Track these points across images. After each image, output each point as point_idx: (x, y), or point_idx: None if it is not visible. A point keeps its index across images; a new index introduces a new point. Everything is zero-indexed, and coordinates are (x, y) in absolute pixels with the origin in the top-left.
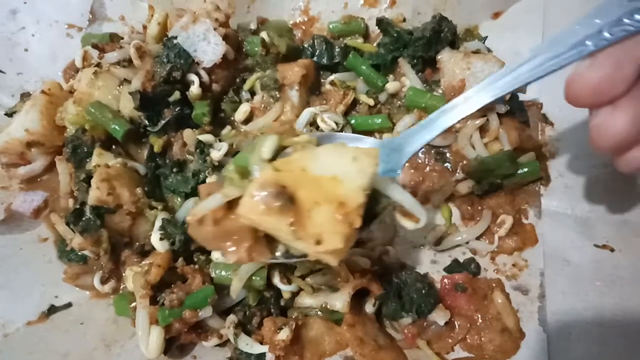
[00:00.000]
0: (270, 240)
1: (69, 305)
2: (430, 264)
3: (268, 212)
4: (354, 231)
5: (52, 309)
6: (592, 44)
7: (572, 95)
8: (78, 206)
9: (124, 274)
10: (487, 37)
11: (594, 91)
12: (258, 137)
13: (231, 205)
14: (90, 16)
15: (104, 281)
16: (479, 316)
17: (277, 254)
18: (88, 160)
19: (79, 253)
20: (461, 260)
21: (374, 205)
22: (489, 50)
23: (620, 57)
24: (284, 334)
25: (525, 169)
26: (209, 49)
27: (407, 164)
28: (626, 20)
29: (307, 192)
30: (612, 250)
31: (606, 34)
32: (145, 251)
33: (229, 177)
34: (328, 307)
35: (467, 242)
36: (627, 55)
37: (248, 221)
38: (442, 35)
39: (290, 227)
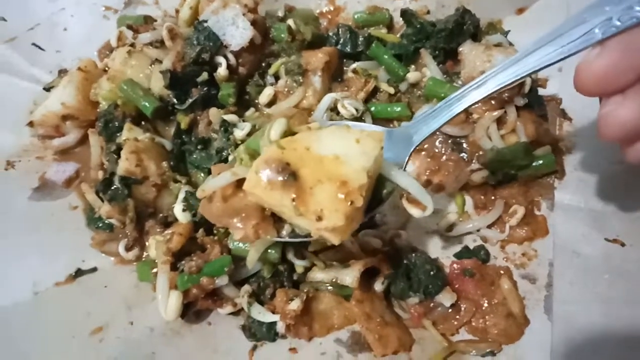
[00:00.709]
0: (277, 220)
1: (94, 269)
2: (441, 250)
3: (271, 186)
4: (357, 211)
5: (79, 272)
6: (600, 31)
7: (580, 83)
8: (107, 176)
9: (147, 243)
10: (509, 31)
11: (602, 79)
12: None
13: (240, 184)
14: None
15: (128, 248)
16: (485, 301)
17: (283, 232)
18: (118, 134)
19: (106, 221)
20: (471, 247)
21: (380, 190)
22: (511, 44)
23: (629, 45)
24: (295, 305)
25: (541, 162)
26: (237, 33)
27: (424, 153)
28: (637, 8)
29: (310, 170)
30: (622, 244)
31: (616, 22)
32: (168, 222)
33: (239, 157)
34: (338, 282)
35: (478, 230)
36: (636, 43)
37: (254, 197)
38: (464, 27)
39: (292, 202)
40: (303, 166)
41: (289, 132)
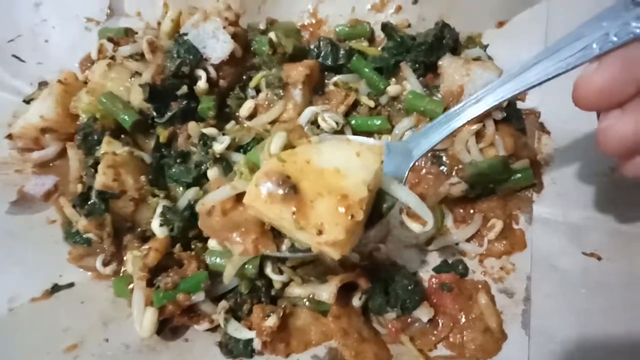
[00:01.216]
0: (276, 235)
1: (71, 284)
2: (420, 264)
3: (271, 200)
4: (357, 225)
5: (56, 287)
6: (598, 47)
7: (579, 98)
8: (85, 190)
9: (125, 258)
10: (488, 45)
11: (601, 94)
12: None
13: (240, 198)
14: (109, 11)
15: (105, 263)
16: (463, 315)
17: (283, 247)
18: (98, 147)
19: (84, 235)
20: (450, 261)
21: (380, 204)
22: (490, 58)
23: (627, 60)
24: (271, 321)
25: (519, 175)
26: (217, 46)
27: None
28: (633, 24)
29: (310, 183)
30: (599, 258)
31: (613, 37)
32: (146, 236)
33: (239, 170)
34: (315, 297)
35: (457, 244)
36: (634, 58)
37: (253, 211)
38: (443, 41)
39: (292, 215)
40: (303, 179)
41: (288, 146)
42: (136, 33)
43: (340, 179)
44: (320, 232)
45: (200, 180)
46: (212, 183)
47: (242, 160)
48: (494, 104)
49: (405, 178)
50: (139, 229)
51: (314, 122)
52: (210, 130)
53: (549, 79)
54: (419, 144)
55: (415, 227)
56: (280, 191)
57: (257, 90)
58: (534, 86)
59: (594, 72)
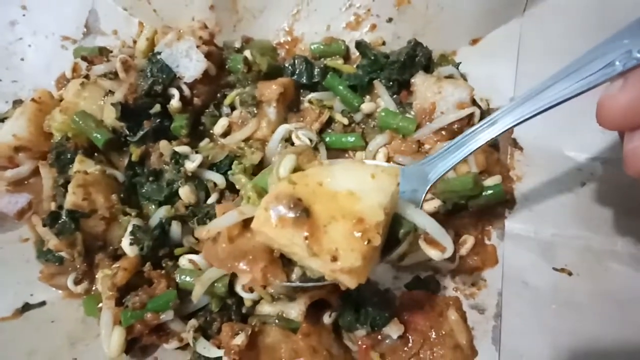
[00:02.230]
0: (286, 263)
1: (43, 303)
2: (393, 280)
3: (282, 224)
4: (374, 250)
5: (27, 307)
6: (621, 64)
7: (604, 117)
8: (56, 209)
9: (96, 276)
10: (460, 62)
11: (628, 113)
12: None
13: (247, 224)
14: (85, 29)
15: (77, 282)
16: (433, 332)
17: (293, 276)
18: (71, 166)
19: (56, 254)
20: (422, 277)
21: (397, 230)
22: (462, 76)
23: None
24: (240, 339)
25: (490, 192)
26: (190, 65)
27: None
28: None
29: (323, 206)
30: (570, 274)
31: (636, 54)
32: (118, 255)
33: (246, 195)
34: (285, 315)
35: (429, 260)
36: None
37: (262, 237)
38: (416, 59)
39: (305, 241)
40: (315, 202)
41: (298, 169)
42: (111, 52)
43: (354, 202)
44: (334, 259)
45: (172, 198)
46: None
47: (249, 184)
48: (511, 125)
49: (421, 202)
50: (111, 248)
51: (287, 140)
52: (183, 149)
53: (568, 99)
54: (435, 167)
55: (434, 254)
56: (292, 214)
57: (232, 108)
58: (552, 106)
59: (619, 91)
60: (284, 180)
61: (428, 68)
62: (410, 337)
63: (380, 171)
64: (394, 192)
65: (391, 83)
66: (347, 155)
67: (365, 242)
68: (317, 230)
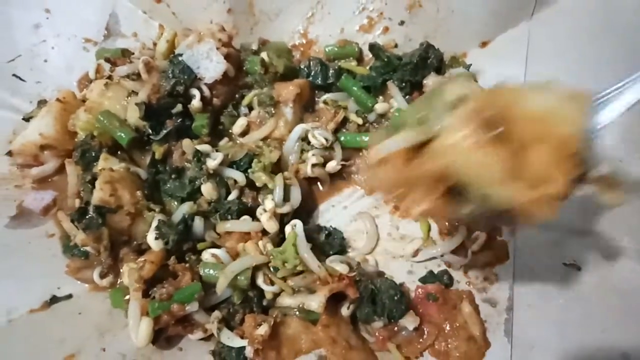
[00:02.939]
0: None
1: (69, 296)
2: (407, 274)
3: (477, 143)
4: (573, 178)
5: (54, 299)
6: None
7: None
8: (83, 205)
9: (121, 270)
10: (471, 64)
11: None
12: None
13: (417, 150)
14: (106, 32)
15: (102, 276)
16: (448, 324)
17: (465, 210)
18: (95, 164)
19: (82, 249)
20: (435, 272)
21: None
22: (473, 77)
23: None
24: (263, 330)
25: None
26: (211, 66)
27: None
28: None
29: (520, 127)
30: (579, 269)
31: None
32: (142, 249)
33: (409, 122)
34: (305, 307)
35: (442, 255)
36: None
37: (446, 159)
38: (428, 61)
39: (501, 164)
40: (511, 123)
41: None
42: (132, 53)
43: (552, 124)
44: (536, 184)
45: (194, 195)
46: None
47: (408, 111)
48: None
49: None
50: (135, 242)
51: (304, 139)
52: (204, 147)
53: None
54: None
55: (611, 199)
56: (488, 134)
57: (250, 108)
58: None
59: None
60: (483, 94)
61: (439, 69)
62: (425, 329)
63: (574, 92)
64: (586, 117)
65: (404, 84)
66: (361, 154)
67: (570, 169)
68: (515, 154)
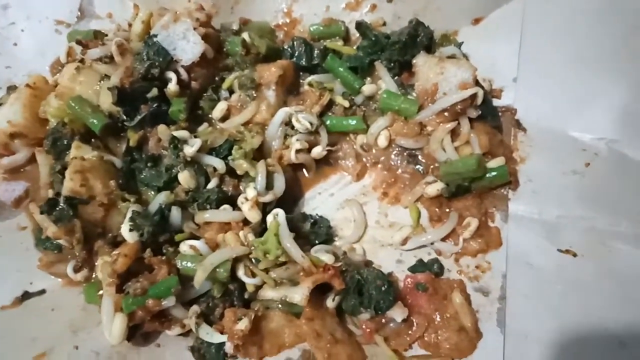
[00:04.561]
0: None
1: (42, 292)
2: (396, 263)
3: None
4: None
5: (26, 295)
6: None
7: None
8: (53, 196)
9: (96, 264)
10: (462, 42)
11: None
12: None
13: None
14: (79, 13)
15: (76, 270)
16: (438, 315)
17: None
18: (68, 152)
19: (54, 242)
20: (425, 261)
21: None
22: (465, 56)
23: None
24: (243, 324)
25: (494, 173)
26: (188, 47)
27: (380, 166)
28: None
29: None
30: (574, 255)
31: None
32: (118, 242)
33: None
34: (288, 300)
35: (432, 243)
36: None
37: None
38: (418, 39)
39: None
40: None
41: None
42: (106, 35)
43: None
44: None
45: (171, 184)
46: None
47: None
48: None
49: None
50: (110, 234)
51: (287, 123)
52: (181, 133)
53: None
54: None
55: None
56: None
57: (230, 91)
58: None
59: None
60: None
61: (430, 48)
62: (414, 320)
63: None
64: None
65: (392, 64)
66: (348, 138)
67: None
68: None
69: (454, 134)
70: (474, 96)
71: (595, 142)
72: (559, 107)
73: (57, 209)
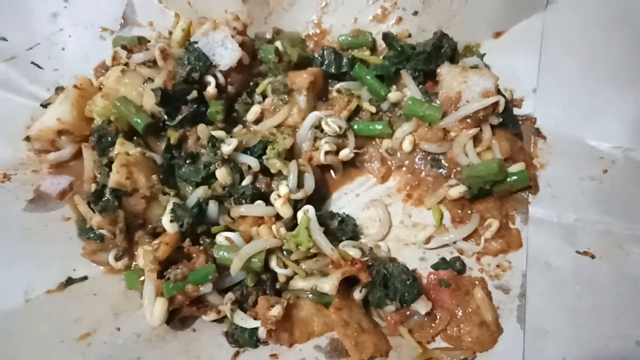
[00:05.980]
0: None
1: (85, 278)
2: (419, 261)
3: None
4: None
5: (70, 281)
6: None
7: None
8: (99, 188)
9: (136, 253)
10: (485, 54)
11: None
12: None
13: None
14: (122, 21)
15: (117, 258)
16: (460, 310)
17: None
18: (111, 149)
19: (97, 232)
20: (448, 259)
21: None
22: (487, 66)
23: None
24: (276, 311)
25: (515, 177)
26: (226, 54)
27: (404, 169)
28: None
29: None
30: (592, 257)
31: None
32: (157, 233)
33: None
34: (318, 289)
35: (454, 242)
36: None
37: None
38: (442, 50)
39: None
40: None
41: None
42: (149, 41)
43: None
44: None
45: (208, 179)
46: None
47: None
48: None
49: None
50: (150, 226)
51: (317, 127)
52: (219, 133)
53: None
54: None
55: None
56: None
57: (264, 95)
58: None
59: None
60: None
61: (453, 59)
62: (437, 314)
63: None
64: None
65: (417, 73)
66: (374, 142)
67: None
68: None
69: (476, 140)
70: (495, 104)
71: (612, 150)
72: (577, 116)
73: (103, 200)
